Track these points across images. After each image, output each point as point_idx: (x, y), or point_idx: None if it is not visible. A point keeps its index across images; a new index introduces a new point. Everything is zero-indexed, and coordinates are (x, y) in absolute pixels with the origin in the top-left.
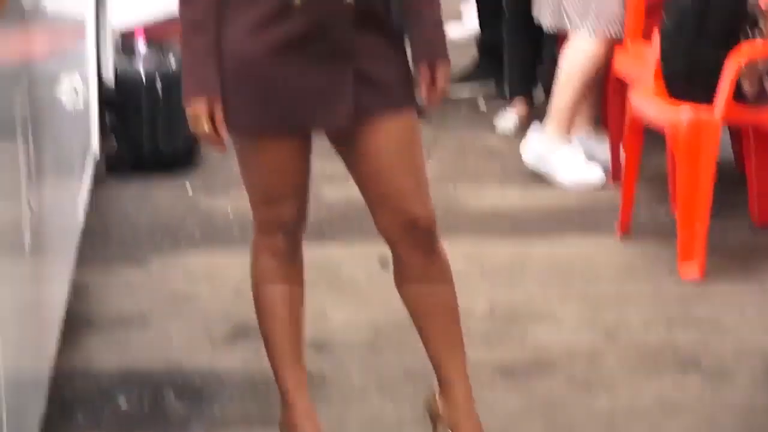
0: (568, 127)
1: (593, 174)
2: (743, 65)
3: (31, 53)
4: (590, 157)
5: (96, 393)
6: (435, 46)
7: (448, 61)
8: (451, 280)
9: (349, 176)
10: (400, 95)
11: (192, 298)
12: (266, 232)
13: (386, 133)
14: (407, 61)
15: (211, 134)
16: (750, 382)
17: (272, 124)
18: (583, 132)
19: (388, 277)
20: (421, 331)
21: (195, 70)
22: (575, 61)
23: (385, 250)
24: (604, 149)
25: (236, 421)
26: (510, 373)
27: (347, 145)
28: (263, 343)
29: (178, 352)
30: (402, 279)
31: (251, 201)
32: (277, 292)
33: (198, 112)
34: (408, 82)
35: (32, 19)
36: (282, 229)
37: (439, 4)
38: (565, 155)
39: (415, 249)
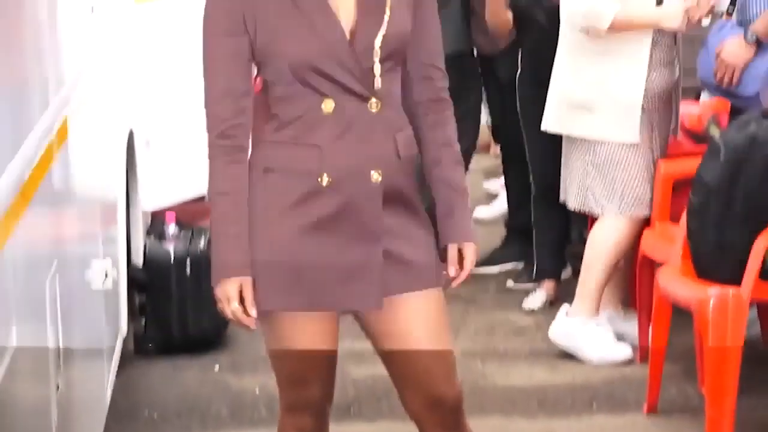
0: (596, 306)
1: (621, 352)
2: None
3: (62, 236)
4: (619, 335)
5: None
6: (462, 229)
7: (476, 244)
8: None
9: (376, 354)
10: (427, 275)
11: None
12: (293, 412)
13: (413, 313)
14: (434, 241)
15: (240, 315)
16: None
17: (301, 306)
18: (611, 310)
19: None
20: None
21: (225, 251)
22: (602, 242)
23: (413, 428)
24: (632, 327)
25: None
26: None
27: (374, 324)
28: None
29: None
30: None
31: (278, 381)
32: None
33: (227, 294)
34: (435, 262)
35: (63, 202)
36: (309, 409)
37: (465, 187)
38: (593, 333)
39: (441, 427)
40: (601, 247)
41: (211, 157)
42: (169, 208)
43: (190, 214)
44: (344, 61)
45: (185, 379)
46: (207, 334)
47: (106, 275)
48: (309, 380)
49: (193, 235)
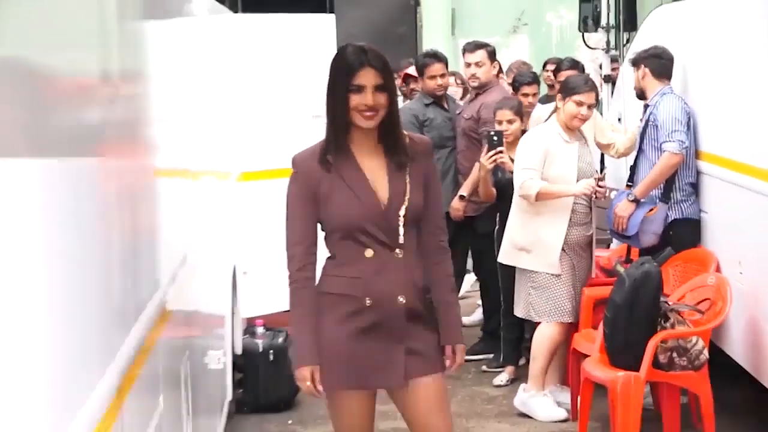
0: (542, 383)
1: (559, 413)
2: (658, 344)
3: (191, 335)
4: (558, 402)
5: None
6: (455, 335)
7: (464, 344)
8: None
9: (397, 412)
10: (434, 364)
11: None
12: None
13: (425, 388)
14: (438, 340)
15: (311, 390)
16: None
17: (350, 386)
18: (552, 386)
19: None
20: None
21: (302, 347)
22: (541, 341)
23: None
24: (567, 397)
25: None
26: None
27: (400, 396)
28: None
29: None
30: None
31: None
32: None
33: (303, 376)
34: (439, 355)
35: (191, 316)
36: None
37: (458, 304)
38: (541, 401)
39: None
40: (541, 344)
41: (290, 284)
42: (259, 317)
43: (273, 321)
44: (379, 223)
45: (267, 427)
46: (283, 399)
47: (218, 360)
48: None
49: (274, 334)
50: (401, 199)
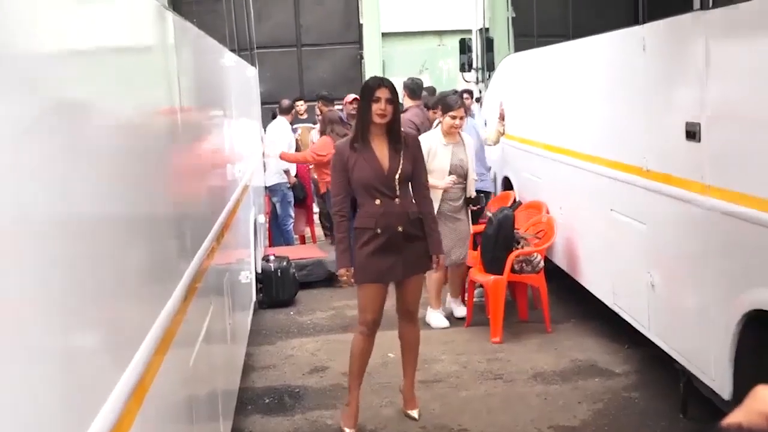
0: (437, 304)
1: (444, 323)
2: (514, 259)
3: (231, 261)
4: (449, 313)
5: None
6: (437, 248)
7: (444, 253)
8: (418, 334)
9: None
10: (422, 266)
11: (289, 359)
12: (362, 325)
13: (411, 282)
14: (423, 251)
15: (348, 281)
16: None
17: (370, 279)
18: (453, 301)
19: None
20: (402, 356)
21: (341, 256)
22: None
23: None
24: (463, 311)
25: None
26: None
27: (399, 285)
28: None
29: None
30: (401, 331)
31: (359, 310)
32: (361, 349)
33: (342, 273)
34: (422, 261)
35: (229, 248)
36: (368, 325)
37: (438, 231)
38: (436, 315)
39: (407, 322)
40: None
41: (333, 216)
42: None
43: (280, 251)
44: (383, 182)
45: (277, 316)
46: (287, 299)
47: (248, 278)
48: (369, 311)
49: (279, 260)
50: (396, 168)
